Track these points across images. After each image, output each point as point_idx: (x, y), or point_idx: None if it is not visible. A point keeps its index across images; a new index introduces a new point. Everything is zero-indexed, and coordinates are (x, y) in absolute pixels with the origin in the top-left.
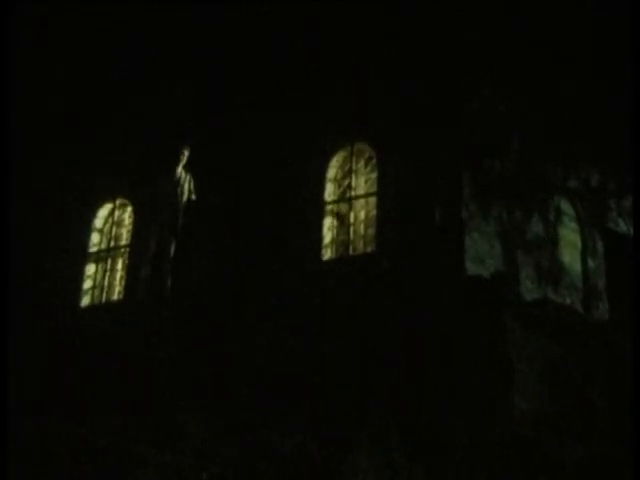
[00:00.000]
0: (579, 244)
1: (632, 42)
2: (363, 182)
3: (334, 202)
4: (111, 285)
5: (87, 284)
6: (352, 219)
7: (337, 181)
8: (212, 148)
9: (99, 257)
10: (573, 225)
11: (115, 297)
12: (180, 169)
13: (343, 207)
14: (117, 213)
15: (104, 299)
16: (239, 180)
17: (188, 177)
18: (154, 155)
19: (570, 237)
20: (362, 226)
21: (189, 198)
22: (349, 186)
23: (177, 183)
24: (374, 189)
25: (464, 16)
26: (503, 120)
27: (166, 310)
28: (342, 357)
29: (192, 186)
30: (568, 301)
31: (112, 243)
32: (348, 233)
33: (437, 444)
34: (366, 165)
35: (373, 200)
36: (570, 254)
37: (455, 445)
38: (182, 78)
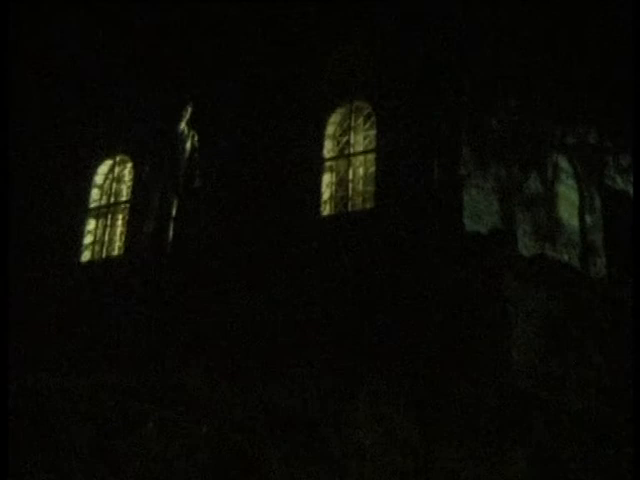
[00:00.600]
0: (577, 201)
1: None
2: (362, 139)
3: (333, 159)
4: (111, 241)
5: (87, 239)
6: (351, 176)
7: (336, 138)
8: (214, 106)
9: (99, 213)
10: (571, 182)
11: (115, 252)
12: (183, 125)
13: (342, 164)
14: (117, 169)
15: (104, 254)
16: (240, 137)
17: (191, 133)
18: (155, 111)
19: (568, 194)
20: (361, 183)
21: (191, 155)
22: (348, 143)
23: (179, 139)
24: (373, 146)
25: None
26: (501, 78)
27: (167, 265)
28: (340, 313)
29: (196, 142)
30: (566, 257)
31: (112, 199)
32: (347, 189)
33: (435, 398)
34: (365, 122)
35: (372, 157)
36: (568, 211)
37: (453, 398)
38: (184, 37)
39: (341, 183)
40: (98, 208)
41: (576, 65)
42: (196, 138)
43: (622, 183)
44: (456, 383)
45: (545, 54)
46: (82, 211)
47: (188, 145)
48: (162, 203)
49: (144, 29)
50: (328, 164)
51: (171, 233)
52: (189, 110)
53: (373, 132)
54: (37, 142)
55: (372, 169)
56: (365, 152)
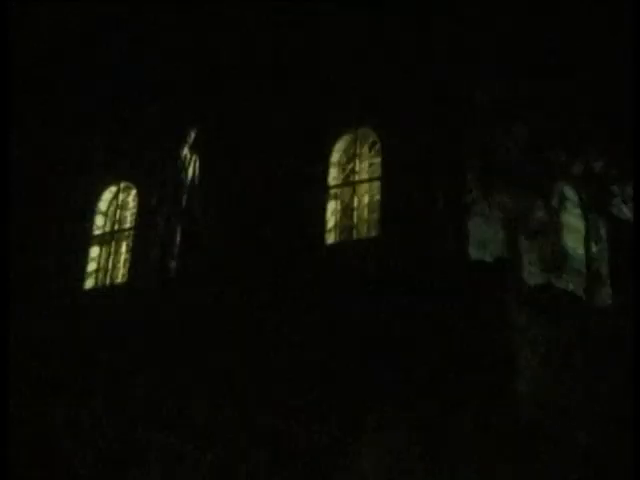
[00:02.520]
0: (582, 230)
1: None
2: (367, 167)
3: (338, 186)
4: (115, 268)
5: (91, 267)
6: (356, 203)
7: (341, 165)
8: (217, 130)
9: (103, 240)
10: (576, 211)
11: (119, 280)
12: (186, 150)
13: (347, 191)
14: (121, 196)
15: (108, 282)
16: (244, 163)
17: (194, 158)
18: (158, 138)
19: (573, 223)
20: (366, 210)
21: (193, 180)
22: (353, 170)
23: (182, 165)
24: (378, 174)
25: (468, 5)
26: (507, 106)
27: (171, 292)
28: (345, 341)
29: (197, 167)
30: (571, 286)
31: (116, 226)
32: (352, 217)
33: (441, 428)
34: (370, 150)
35: (377, 185)
36: (573, 239)
37: (458, 429)
38: (187, 61)
39: (346, 211)
40: (102, 235)
41: (583, 93)
42: (197, 163)
43: (628, 212)
44: (461, 413)
45: (552, 82)
46: (86, 238)
47: (191, 171)
48: (166, 230)
49: (149, 53)
50: (333, 192)
51: (174, 260)
52: (192, 135)
53: (378, 160)
54: (40, 168)
55: (377, 197)
56: (370, 180)
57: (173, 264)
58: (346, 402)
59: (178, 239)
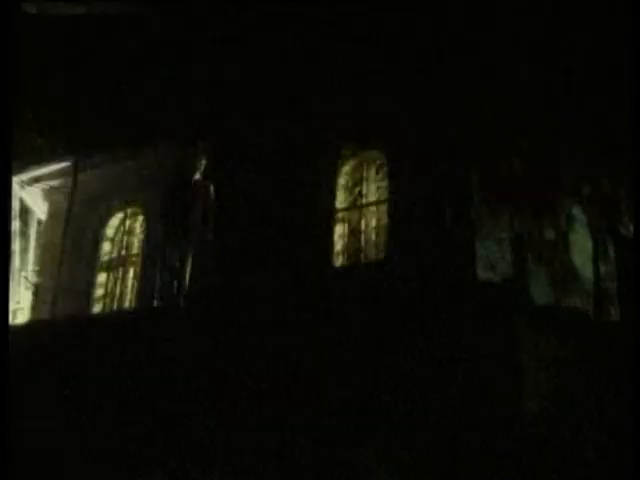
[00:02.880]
0: (590, 249)
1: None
2: (374, 190)
3: (345, 209)
4: (122, 294)
5: (98, 292)
6: (363, 227)
7: (348, 189)
8: (227, 159)
9: (110, 266)
10: (584, 231)
11: (127, 305)
12: (198, 176)
13: (354, 214)
14: (128, 222)
15: (115, 307)
16: (251, 188)
17: (206, 184)
18: (166, 163)
19: (581, 242)
20: (373, 234)
21: (205, 207)
22: (360, 194)
23: (193, 191)
24: (385, 197)
25: (472, 18)
26: (514, 127)
27: (180, 317)
28: (353, 363)
29: (212, 192)
30: (579, 306)
31: (123, 252)
32: (359, 240)
33: (447, 446)
34: (377, 172)
35: (384, 208)
36: (581, 259)
37: (465, 448)
38: (193, 84)
39: (353, 234)
40: (109, 261)
41: (590, 112)
42: (212, 189)
43: None
44: (468, 431)
45: (559, 101)
46: (93, 264)
47: (201, 196)
48: (174, 256)
49: (155, 81)
50: (340, 215)
51: (186, 285)
52: (203, 163)
53: (385, 183)
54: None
55: (384, 220)
56: (377, 203)
57: (183, 289)
58: (351, 420)
59: (189, 265)
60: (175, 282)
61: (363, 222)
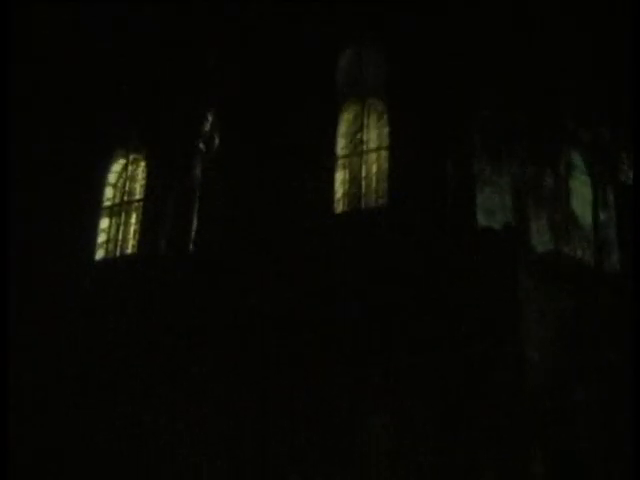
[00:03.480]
0: (590, 197)
1: None
2: (375, 136)
3: (346, 156)
4: (125, 239)
5: (101, 238)
6: (364, 173)
7: (349, 135)
8: (232, 110)
9: (113, 211)
10: (584, 178)
11: (129, 251)
12: (207, 127)
13: (355, 161)
14: (130, 168)
15: (118, 253)
16: (257, 136)
17: (215, 135)
18: (169, 110)
19: (581, 190)
20: (374, 180)
21: (214, 158)
22: (361, 140)
23: (202, 142)
24: (386, 143)
25: None
26: (515, 74)
27: (187, 265)
28: (353, 311)
29: (216, 144)
30: (579, 253)
31: (126, 197)
32: (360, 187)
33: (449, 396)
34: (378, 119)
35: (385, 154)
36: (581, 207)
37: (467, 396)
38: (199, 46)
39: (354, 180)
40: (112, 207)
41: (591, 60)
42: (217, 141)
43: None
44: (469, 380)
45: (560, 49)
46: (96, 209)
47: (207, 148)
48: (177, 202)
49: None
50: (341, 161)
51: (193, 233)
52: (209, 117)
53: (386, 129)
54: (50, 140)
55: (385, 166)
56: (378, 149)
57: (191, 236)
58: (356, 376)
59: (196, 212)
60: (182, 229)
61: (364, 168)
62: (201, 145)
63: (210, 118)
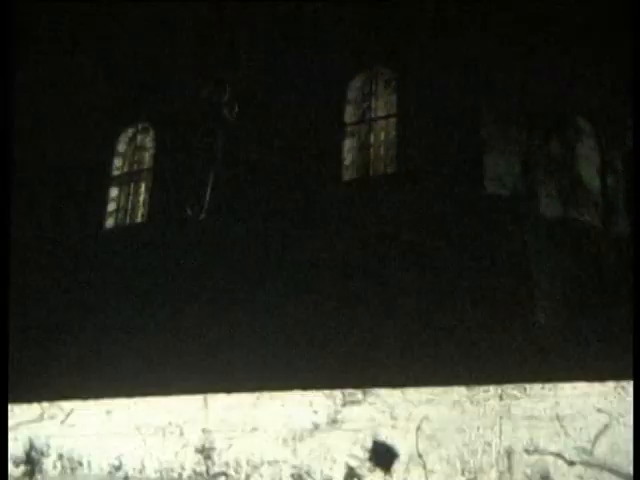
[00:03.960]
0: (598, 161)
1: None
2: (383, 104)
3: (354, 124)
4: (134, 208)
5: (111, 207)
6: (372, 140)
7: (357, 103)
8: (242, 74)
9: (122, 181)
10: (591, 143)
11: (138, 219)
12: (227, 96)
13: (363, 129)
14: (139, 137)
15: (127, 221)
16: (262, 105)
17: (234, 105)
18: (178, 80)
19: (589, 155)
20: (382, 147)
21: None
22: (369, 108)
23: (222, 112)
24: (394, 111)
25: None
26: (522, 41)
27: (195, 232)
28: (361, 278)
29: (235, 113)
30: (588, 218)
31: (135, 167)
32: (368, 154)
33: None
34: (386, 87)
35: (393, 122)
36: (589, 172)
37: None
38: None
39: (362, 148)
40: (120, 176)
41: (600, 27)
42: (236, 110)
43: None
44: (480, 338)
45: (569, 15)
46: (105, 178)
47: (217, 116)
48: (187, 172)
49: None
50: (349, 129)
51: (207, 201)
52: (228, 89)
53: (394, 97)
54: (57, 109)
55: (393, 133)
56: (386, 117)
57: (204, 205)
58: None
59: (211, 182)
60: (194, 198)
61: (372, 136)
62: (211, 113)
63: (223, 88)
